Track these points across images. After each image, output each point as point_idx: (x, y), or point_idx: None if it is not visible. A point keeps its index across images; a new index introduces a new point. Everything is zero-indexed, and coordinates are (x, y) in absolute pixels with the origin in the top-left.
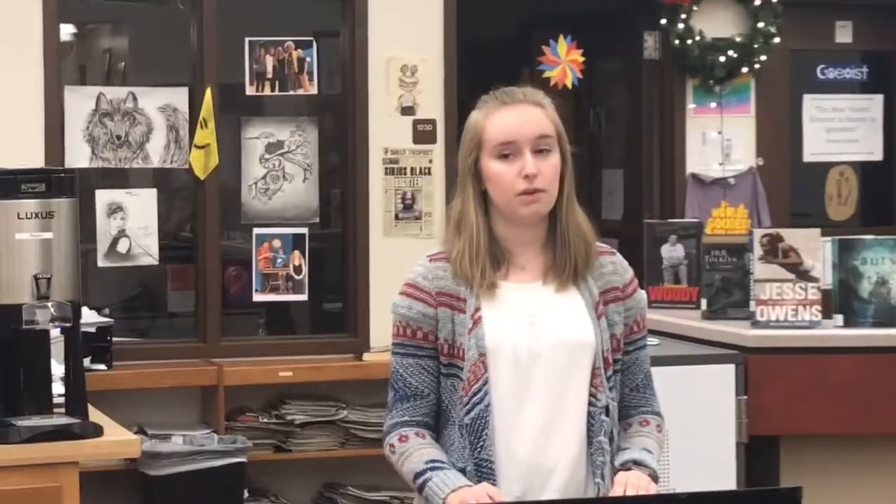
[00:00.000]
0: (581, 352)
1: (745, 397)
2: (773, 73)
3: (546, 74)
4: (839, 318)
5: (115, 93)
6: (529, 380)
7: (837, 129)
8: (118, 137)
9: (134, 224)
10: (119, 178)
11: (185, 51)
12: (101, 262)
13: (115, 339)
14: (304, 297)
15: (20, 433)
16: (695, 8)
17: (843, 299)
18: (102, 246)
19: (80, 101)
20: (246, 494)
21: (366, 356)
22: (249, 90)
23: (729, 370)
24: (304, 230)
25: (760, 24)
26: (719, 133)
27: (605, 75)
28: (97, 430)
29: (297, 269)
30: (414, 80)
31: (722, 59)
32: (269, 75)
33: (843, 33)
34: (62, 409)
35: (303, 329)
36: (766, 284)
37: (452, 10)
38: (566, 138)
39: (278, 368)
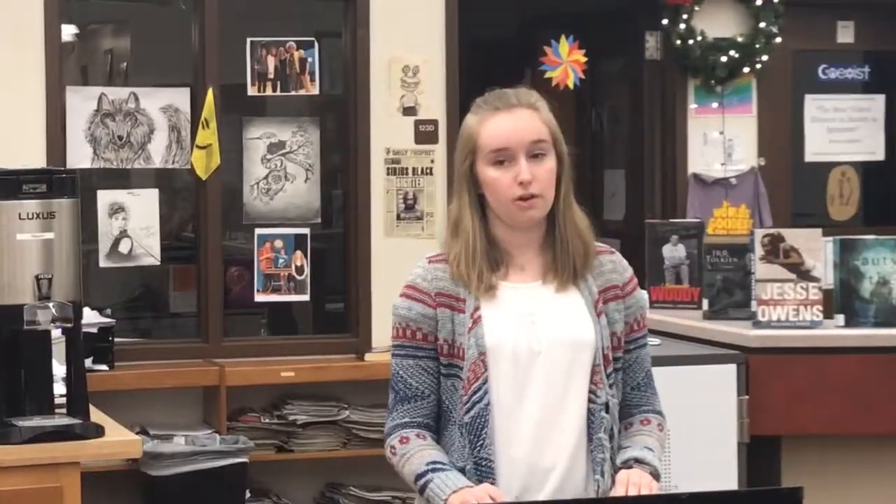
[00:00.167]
0: (581, 350)
1: (747, 397)
2: (774, 73)
3: (548, 75)
4: (840, 319)
5: (117, 93)
6: (529, 378)
7: (839, 129)
8: (120, 138)
9: (136, 224)
10: (121, 179)
11: (187, 51)
12: (102, 263)
13: (116, 339)
14: (305, 297)
15: (21, 433)
16: (696, 8)
17: (844, 299)
18: (104, 246)
19: (81, 102)
20: (248, 495)
21: (367, 356)
22: (251, 90)
23: (730, 370)
24: (306, 230)
25: (762, 25)
26: (721, 133)
27: (607, 75)
28: (99, 431)
29: (299, 270)
30: (416, 81)
31: (723, 59)
32: (271, 76)
33: (845, 33)
34: (63, 410)
35: (305, 329)
36: (768, 284)
37: (454, 10)
38: (562, 139)
39: (280, 369)
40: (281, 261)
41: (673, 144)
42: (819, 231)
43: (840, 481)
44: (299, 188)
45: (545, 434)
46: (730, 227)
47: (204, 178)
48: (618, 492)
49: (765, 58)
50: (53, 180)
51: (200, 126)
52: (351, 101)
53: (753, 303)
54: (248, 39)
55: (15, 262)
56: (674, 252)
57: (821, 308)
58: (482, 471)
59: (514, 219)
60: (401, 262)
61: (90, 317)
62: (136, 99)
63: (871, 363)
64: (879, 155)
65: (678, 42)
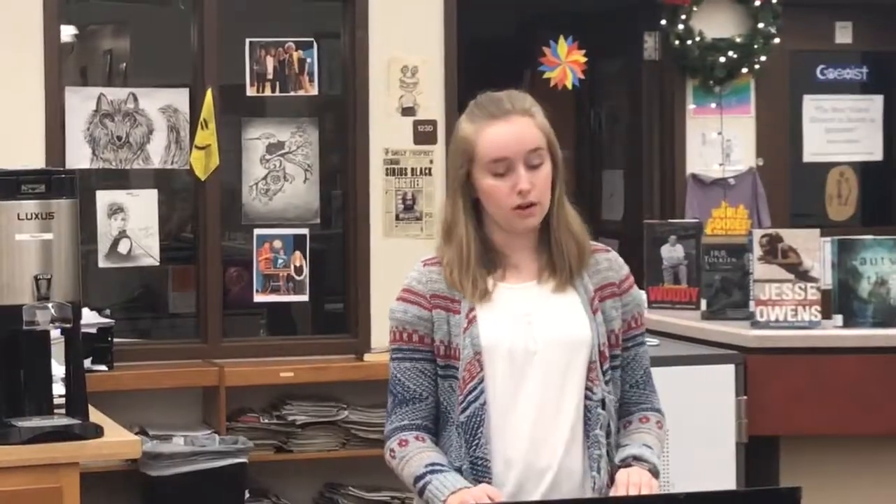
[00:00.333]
0: (577, 349)
1: (745, 397)
2: (772, 73)
3: (547, 75)
4: (838, 319)
5: (116, 94)
6: (525, 378)
7: (837, 130)
8: (119, 138)
9: (135, 225)
10: (120, 179)
11: (186, 52)
12: (101, 263)
13: (116, 339)
14: (304, 297)
15: (21, 434)
16: (695, 8)
17: (842, 299)
18: (103, 247)
19: (80, 102)
20: (247, 495)
21: (367, 357)
22: (250, 91)
23: (728, 370)
24: (305, 231)
25: (760, 25)
26: (719, 133)
27: (605, 76)
28: (98, 431)
29: (298, 270)
30: (414, 81)
31: (722, 59)
32: (270, 76)
33: (843, 34)
34: (63, 410)
35: (304, 330)
36: (766, 285)
37: (453, 10)
38: (556, 143)
39: (279, 369)
40: (280, 261)
41: (671, 145)
42: (817, 231)
43: (838, 481)
44: (298, 188)
45: (541, 433)
46: (728, 227)
47: (203, 179)
48: (618, 492)
49: (763, 58)
50: (52, 181)
51: (199, 126)
52: (350, 102)
53: (752, 303)
54: (247, 40)
55: (14, 263)
56: (672, 252)
57: (819, 308)
58: (478, 470)
59: (512, 226)
60: (400, 263)
61: (89, 317)
62: (136, 99)
63: (869, 363)
64: (877, 155)
65: (677, 42)
